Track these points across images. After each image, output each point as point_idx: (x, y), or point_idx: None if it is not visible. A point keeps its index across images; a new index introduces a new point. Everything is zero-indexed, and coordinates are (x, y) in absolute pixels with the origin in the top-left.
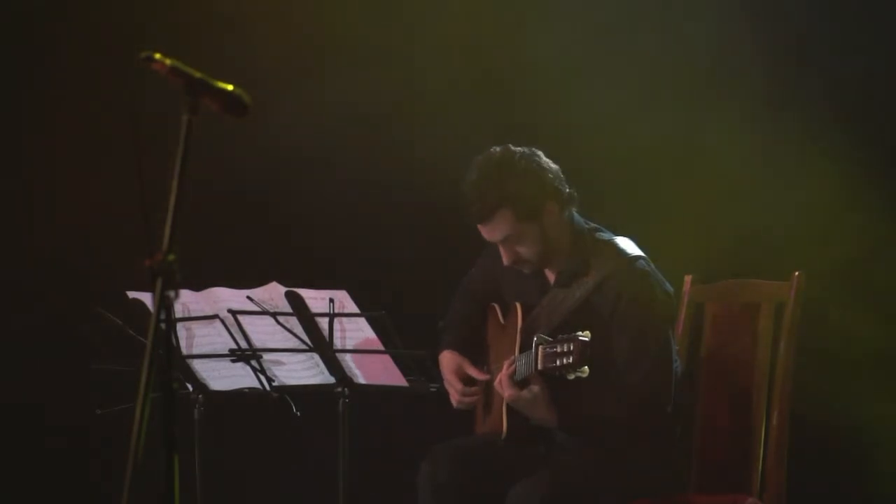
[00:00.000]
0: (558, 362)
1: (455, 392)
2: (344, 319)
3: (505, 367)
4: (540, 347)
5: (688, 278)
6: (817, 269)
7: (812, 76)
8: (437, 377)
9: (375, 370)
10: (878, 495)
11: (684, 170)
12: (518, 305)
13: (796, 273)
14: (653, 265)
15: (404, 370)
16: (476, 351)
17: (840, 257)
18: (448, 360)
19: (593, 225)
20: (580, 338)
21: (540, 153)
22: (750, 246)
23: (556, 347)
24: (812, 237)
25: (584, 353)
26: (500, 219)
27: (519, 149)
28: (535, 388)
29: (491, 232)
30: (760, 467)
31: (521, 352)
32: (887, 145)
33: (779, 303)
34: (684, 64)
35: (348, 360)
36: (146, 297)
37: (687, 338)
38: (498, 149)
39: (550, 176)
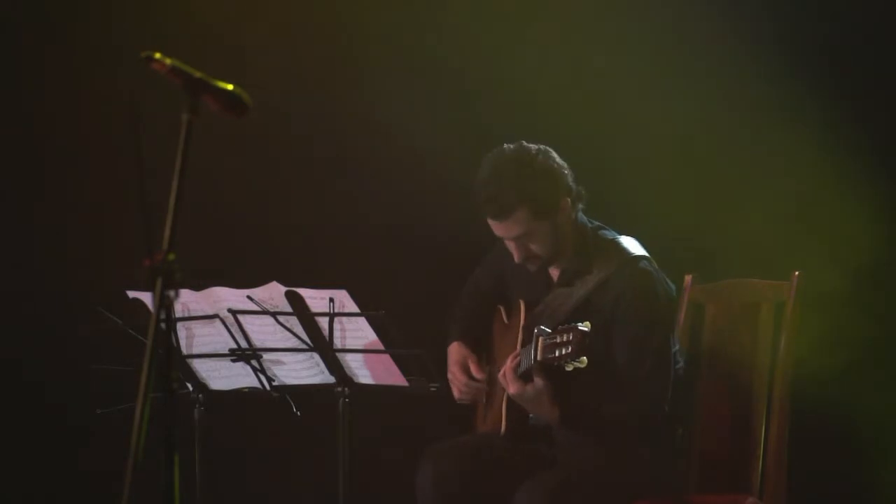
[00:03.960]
0: (557, 353)
1: (458, 383)
2: (344, 319)
3: (509, 361)
4: (540, 339)
5: (688, 278)
6: (817, 269)
7: (814, 77)
8: (437, 377)
9: (375, 370)
10: (878, 495)
11: (685, 169)
12: (521, 303)
13: (796, 273)
14: (655, 265)
15: (404, 370)
16: (481, 349)
17: (840, 257)
18: (455, 353)
19: (597, 223)
20: (580, 328)
21: (552, 151)
22: (750, 246)
23: (555, 338)
24: (812, 237)
25: (583, 343)
26: (518, 217)
27: (533, 146)
28: (539, 382)
29: (506, 229)
30: (760, 467)
31: (522, 347)
32: (889, 144)
33: (779, 303)
34: (685, 64)
35: (348, 360)
36: (146, 297)
37: (687, 338)
38: (511, 146)
39: (565, 173)
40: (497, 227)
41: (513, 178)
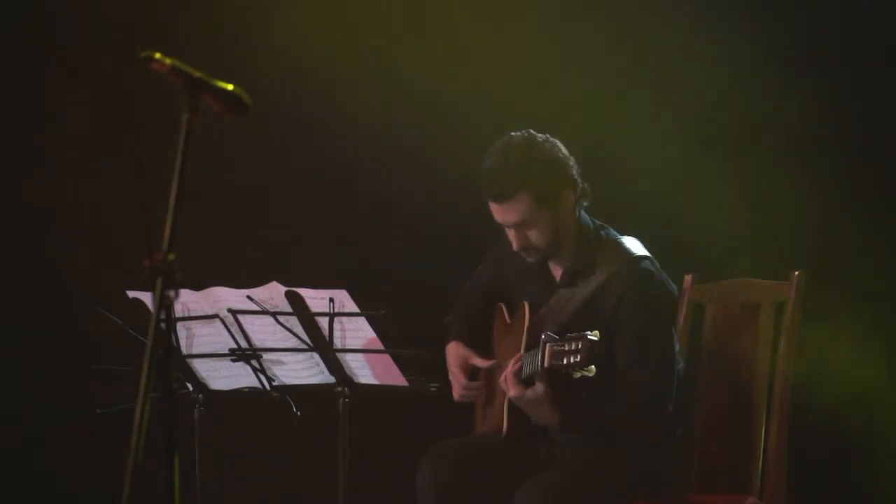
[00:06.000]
0: (566, 360)
1: (458, 385)
2: (344, 319)
3: (510, 364)
4: (548, 345)
5: (688, 278)
6: (817, 269)
7: (813, 75)
8: (437, 377)
9: (375, 370)
10: (879, 495)
11: (685, 170)
12: (525, 305)
13: (796, 273)
14: (657, 265)
15: (404, 370)
16: (482, 347)
17: (840, 257)
18: (454, 352)
19: (599, 223)
20: (589, 337)
21: (560, 143)
22: (750, 246)
23: (564, 346)
24: (812, 237)
25: (592, 352)
26: (520, 200)
27: (541, 135)
28: (540, 387)
29: (507, 213)
30: (760, 467)
31: (526, 350)
32: (889, 145)
33: (779, 303)
34: (684, 64)
35: (348, 360)
36: (146, 297)
37: (687, 338)
38: (519, 133)
39: (571, 165)
40: (497, 212)
41: (517, 162)
